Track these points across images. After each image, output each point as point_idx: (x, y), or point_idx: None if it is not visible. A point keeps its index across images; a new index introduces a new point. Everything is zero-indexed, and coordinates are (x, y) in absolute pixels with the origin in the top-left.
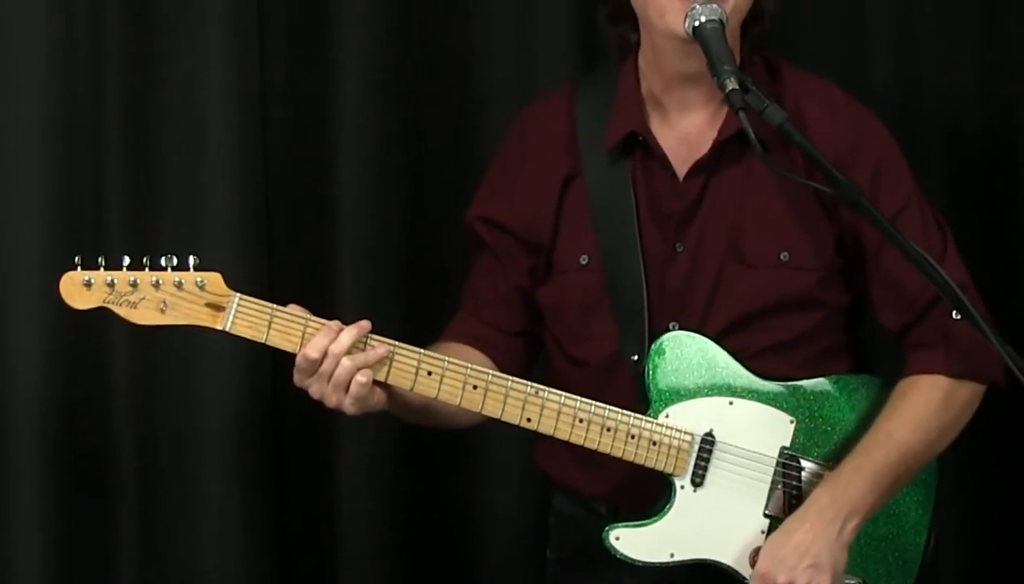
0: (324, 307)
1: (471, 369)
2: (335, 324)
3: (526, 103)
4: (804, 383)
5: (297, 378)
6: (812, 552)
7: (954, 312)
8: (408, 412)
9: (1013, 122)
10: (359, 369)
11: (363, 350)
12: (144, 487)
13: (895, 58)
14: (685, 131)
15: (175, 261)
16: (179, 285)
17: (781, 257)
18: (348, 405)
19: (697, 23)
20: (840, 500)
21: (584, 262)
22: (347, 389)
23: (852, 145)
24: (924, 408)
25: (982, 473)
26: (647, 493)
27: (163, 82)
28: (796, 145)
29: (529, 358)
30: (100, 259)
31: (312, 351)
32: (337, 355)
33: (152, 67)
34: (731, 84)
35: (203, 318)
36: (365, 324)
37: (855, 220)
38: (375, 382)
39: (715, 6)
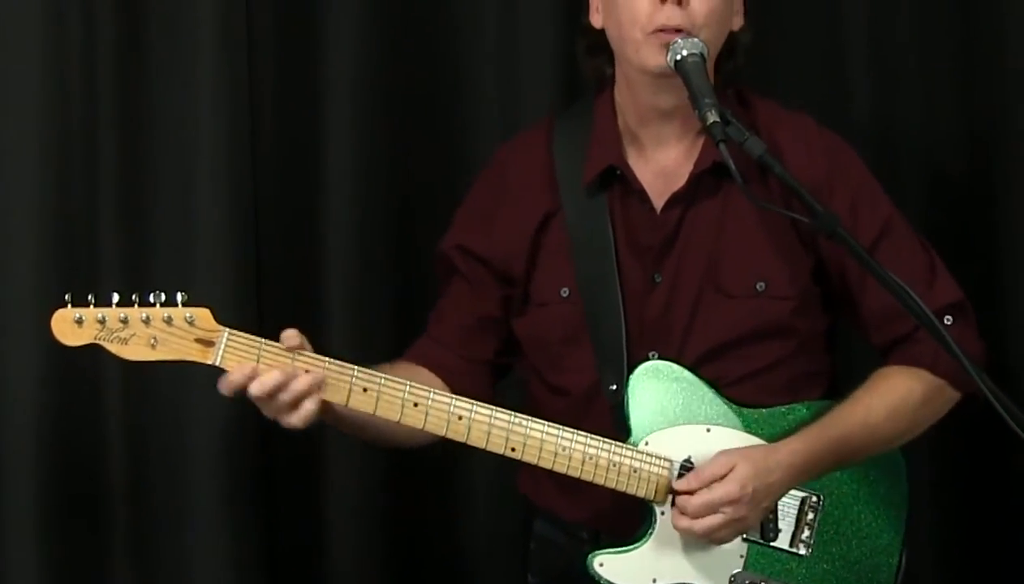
0: (313, 338)
1: (456, 400)
2: (289, 365)
3: (510, 137)
4: (780, 409)
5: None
6: (771, 497)
7: (945, 317)
8: (353, 427)
9: (988, 156)
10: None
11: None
12: (135, 505)
13: (872, 93)
14: (662, 164)
15: (163, 297)
16: (168, 321)
17: (757, 287)
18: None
19: (679, 57)
20: (811, 461)
21: (565, 294)
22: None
23: (828, 175)
24: (905, 399)
25: (954, 490)
26: (628, 519)
27: (154, 121)
28: (776, 176)
29: (486, 386)
30: (90, 296)
31: (257, 388)
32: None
33: (144, 107)
34: (712, 116)
35: (193, 353)
36: (320, 375)
37: (836, 247)
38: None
39: (696, 40)
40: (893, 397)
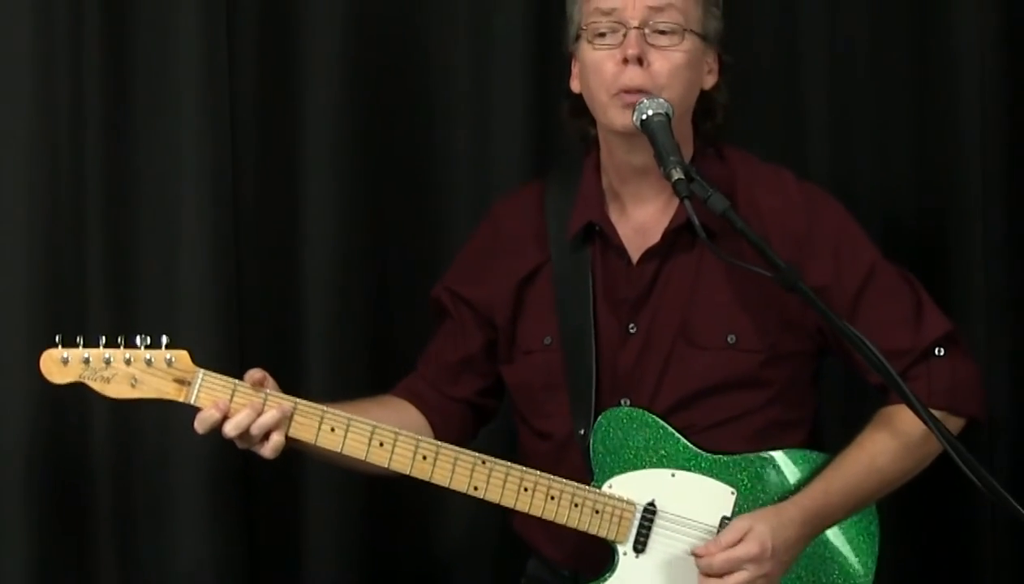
0: (292, 375)
1: (422, 441)
2: (258, 403)
3: (483, 193)
4: (748, 456)
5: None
6: (791, 552)
7: (937, 349)
8: (326, 459)
9: (943, 201)
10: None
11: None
12: (119, 524)
13: (831, 145)
14: (640, 220)
15: (148, 340)
16: (149, 362)
17: (728, 340)
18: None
19: (644, 116)
20: (824, 513)
21: (547, 343)
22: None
23: (808, 227)
24: (907, 440)
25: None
26: (604, 560)
27: (140, 173)
28: (738, 231)
29: (465, 424)
30: (79, 338)
31: (232, 429)
32: (257, 433)
33: (129, 151)
34: (677, 174)
35: (171, 392)
36: (288, 406)
37: (823, 295)
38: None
39: (661, 100)
40: (895, 438)
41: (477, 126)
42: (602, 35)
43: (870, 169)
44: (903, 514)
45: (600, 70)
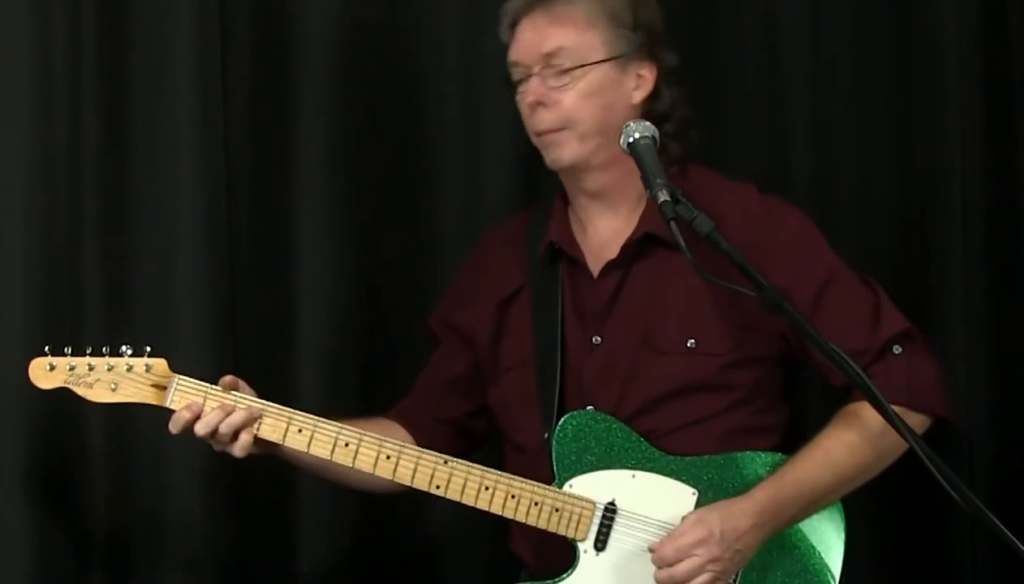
0: (286, 390)
1: (385, 441)
2: (229, 404)
3: (472, 223)
4: (711, 458)
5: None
6: (744, 541)
7: (895, 347)
8: (304, 467)
9: (924, 213)
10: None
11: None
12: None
13: (813, 157)
14: (602, 237)
15: (131, 350)
16: (129, 369)
17: (688, 344)
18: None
19: (631, 139)
20: (778, 505)
21: (522, 359)
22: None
23: (767, 235)
24: (862, 433)
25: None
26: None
27: (136, 190)
28: (723, 252)
29: (451, 445)
30: (67, 348)
31: (202, 429)
32: (226, 432)
33: (127, 169)
34: (663, 195)
35: (148, 397)
36: (256, 408)
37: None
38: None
39: (647, 123)
40: (850, 433)
41: (469, 147)
42: (517, 84)
43: (851, 180)
44: (883, 519)
45: (523, 117)
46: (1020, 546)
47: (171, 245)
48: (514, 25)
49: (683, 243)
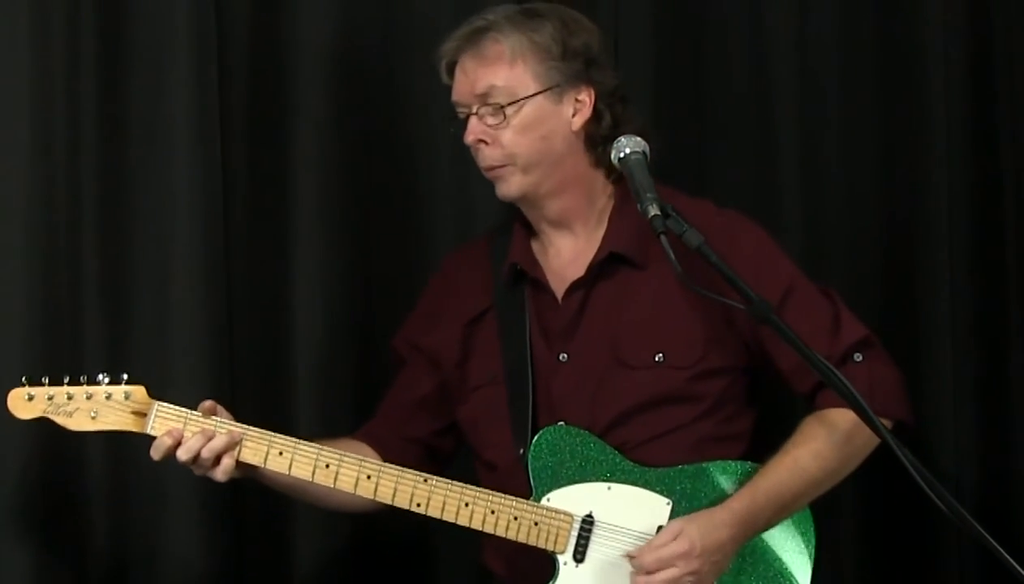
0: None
1: (365, 461)
2: (209, 429)
3: (464, 235)
4: (684, 468)
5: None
6: (723, 552)
7: (855, 355)
8: (287, 490)
9: (910, 229)
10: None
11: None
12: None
13: (801, 177)
14: (564, 258)
15: (108, 378)
16: (108, 397)
17: (656, 358)
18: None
19: (622, 154)
20: (753, 514)
21: (490, 378)
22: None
23: (728, 250)
24: (827, 439)
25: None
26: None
27: (134, 213)
28: (713, 266)
29: (419, 464)
30: (44, 378)
31: (184, 454)
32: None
33: (124, 201)
34: (653, 210)
35: (129, 424)
36: (237, 433)
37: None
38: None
39: (638, 139)
40: (816, 440)
41: (459, 169)
42: (460, 124)
43: (838, 198)
44: (868, 519)
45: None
46: (1008, 557)
47: (168, 262)
48: (450, 69)
49: (673, 255)
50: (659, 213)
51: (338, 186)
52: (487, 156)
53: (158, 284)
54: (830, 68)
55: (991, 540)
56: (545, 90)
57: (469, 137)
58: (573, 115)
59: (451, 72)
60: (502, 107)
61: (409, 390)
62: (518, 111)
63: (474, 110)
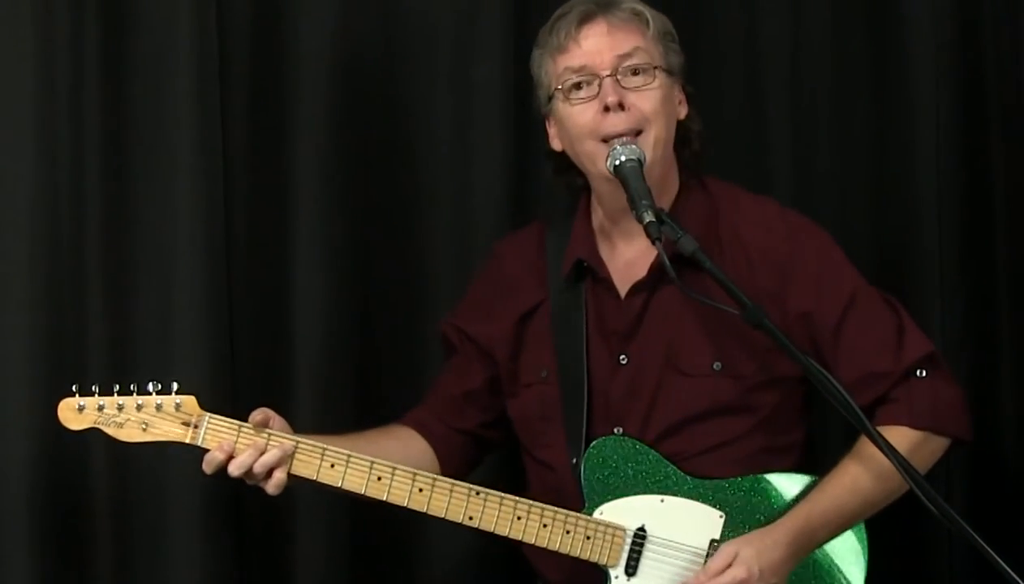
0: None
1: (418, 474)
2: (261, 443)
3: (463, 245)
4: (737, 480)
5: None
6: (780, 573)
7: (919, 370)
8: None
9: (901, 239)
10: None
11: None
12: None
13: (793, 184)
14: (629, 256)
15: (159, 386)
16: (159, 407)
17: (714, 366)
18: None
19: (617, 162)
20: (808, 533)
21: (544, 376)
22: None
23: (791, 256)
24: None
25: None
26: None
27: (137, 221)
28: (706, 271)
29: (468, 456)
30: (94, 386)
31: (236, 469)
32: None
33: (127, 208)
34: (648, 217)
35: (179, 435)
36: (289, 446)
37: (806, 321)
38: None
39: (634, 146)
40: (877, 459)
41: (458, 176)
42: (577, 88)
43: (829, 208)
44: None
45: (580, 122)
46: (999, 560)
47: (170, 266)
48: (576, 29)
49: (668, 261)
50: (655, 220)
51: (339, 191)
52: (617, 122)
53: (161, 288)
54: (822, 74)
55: (983, 544)
56: (668, 71)
57: (609, 98)
58: (679, 104)
59: (576, 34)
60: (653, 68)
61: (459, 381)
62: (656, 78)
63: (608, 73)
